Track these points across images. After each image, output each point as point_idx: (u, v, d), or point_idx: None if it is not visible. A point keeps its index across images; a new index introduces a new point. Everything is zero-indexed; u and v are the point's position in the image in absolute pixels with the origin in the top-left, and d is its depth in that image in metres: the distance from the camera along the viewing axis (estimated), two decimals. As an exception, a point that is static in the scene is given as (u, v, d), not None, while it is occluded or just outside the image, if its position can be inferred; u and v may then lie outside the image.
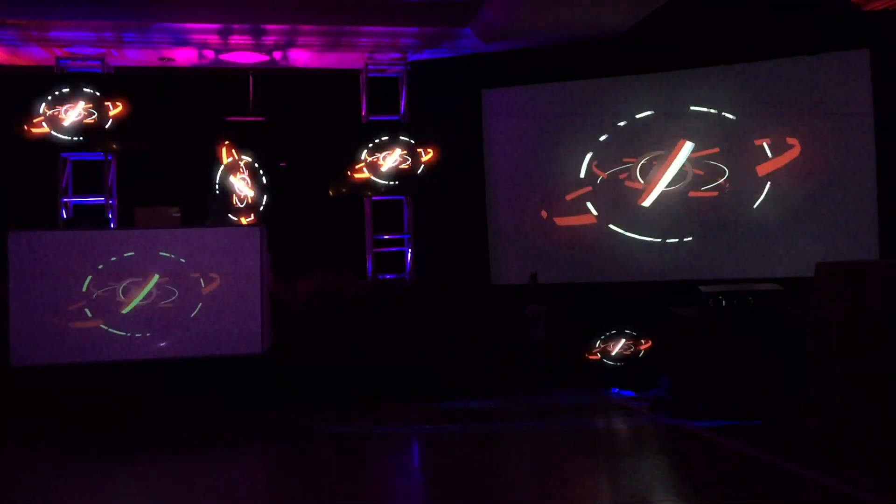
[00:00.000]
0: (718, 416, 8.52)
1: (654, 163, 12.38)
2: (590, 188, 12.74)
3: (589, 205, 12.73)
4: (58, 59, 12.38)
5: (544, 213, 12.88)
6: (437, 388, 10.37)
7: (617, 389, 10.61)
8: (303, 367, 10.40)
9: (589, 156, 12.74)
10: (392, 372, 10.45)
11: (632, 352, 10.93)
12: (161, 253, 10.12)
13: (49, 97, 11.81)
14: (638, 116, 12.52)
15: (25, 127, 11.75)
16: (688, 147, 12.18)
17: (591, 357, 10.92)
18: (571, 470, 7.42)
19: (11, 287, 9.73)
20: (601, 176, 12.66)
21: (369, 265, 13.12)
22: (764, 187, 11.87)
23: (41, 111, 11.78)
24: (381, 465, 7.83)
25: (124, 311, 10.03)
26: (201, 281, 10.21)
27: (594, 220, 12.72)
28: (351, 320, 11.93)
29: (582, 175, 12.77)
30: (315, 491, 6.81)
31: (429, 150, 12.80)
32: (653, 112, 12.46)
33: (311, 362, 10.52)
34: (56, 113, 11.82)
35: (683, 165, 12.21)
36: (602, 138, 12.69)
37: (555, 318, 11.25)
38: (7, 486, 7.54)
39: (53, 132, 11.81)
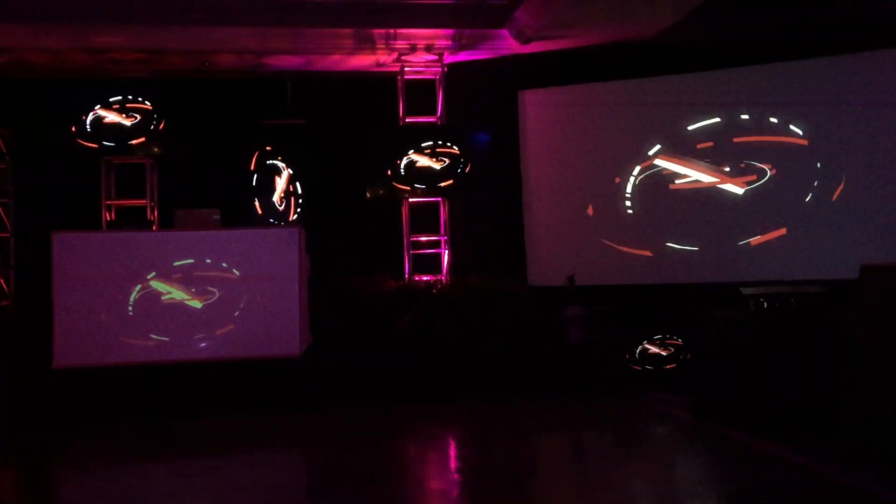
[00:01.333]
0: (759, 420, 8.37)
1: (694, 162, 12.22)
2: (627, 189, 12.63)
3: (627, 205, 12.61)
4: (102, 64, 12.59)
5: (589, 211, 12.78)
6: (473, 390, 10.35)
7: (655, 393, 10.49)
8: (340, 368, 10.45)
9: (627, 156, 12.62)
10: (428, 373, 10.45)
11: (670, 355, 10.80)
12: (202, 255, 10.25)
13: (94, 101, 12.03)
14: (676, 116, 12.37)
15: (70, 131, 11.99)
16: (727, 146, 12.01)
17: (629, 360, 10.81)
18: (608, 472, 7.34)
19: (55, 288, 9.92)
20: (639, 176, 12.54)
21: (406, 266, 13.14)
22: (808, 187, 11.65)
23: (86, 116, 12.01)
24: (420, 465, 7.84)
25: (166, 312, 10.17)
26: (241, 282, 10.31)
27: (632, 222, 12.60)
28: (387, 321, 11.96)
29: (619, 176, 12.66)
30: (353, 490, 6.84)
31: (466, 151, 12.78)
32: (692, 111, 12.30)
33: (348, 363, 10.57)
34: (100, 117, 12.05)
35: (723, 164, 12.04)
36: (640, 138, 12.56)
37: (592, 321, 11.15)
38: (52, 484, 7.71)
39: (97, 136, 12.04)
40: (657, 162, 12.48)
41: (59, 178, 12.71)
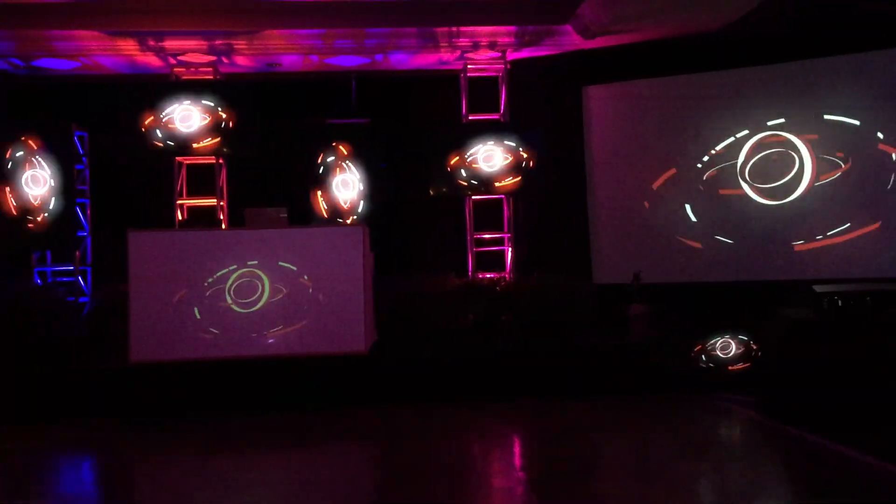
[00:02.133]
0: (832, 423, 8.16)
1: (764, 158, 11.96)
2: (695, 185, 12.42)
3: (694, 202, 12.41)
4: (172, 67, 12.94)
5: (654, 208, 12.62)
6: (537, 388, 10.31)
7: (724, 394, 10.29)
8: (406, 365, 10.53)
9: (694, 151, 12.42)
10: (493, 371, 10.45)
11: (738, 354, 10.58)
12: (270, 253, 10.44)
13: (164, 104, 12.39)
14: (748, 111, 12.12)
15: (143, 133, 12.36)
16: (804, 144, 11.71)
17: (696, 360, 10.62)
18: (675, 475, 7.25)
19: (131, 285, 10.22)
20: (708, 173, 12.32)
21: (469, 264, 13.17)
22: (883, 182, 11.29)
23: (157, 117, 12.37)
24: (485, 463, 7.86)
25: (236, 309, 10.40)
26: (307, 279, 10.48)
27: (699, 218, 12.40)
28: (451, 318, 12.02)
29: (687, 171, 12.46)
30: (420, 486, 6.90)
31: (529, 148, 12.76)
32: (764, 106, 12.02)
33: (414, 361, 10.65)
34: (171, 119, 12.39)
35: (797, 160, 11.75)
36: (707, 133, 12.34)
37: (658, 319, 11.01)
38: (127, 476, 7.97)
39: (169, 137, 12.39)
40: (726, 156, 12.25)
41: (133, 179, 13.13)
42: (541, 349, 10.89)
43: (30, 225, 12.17)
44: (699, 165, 12.39)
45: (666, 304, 11.25)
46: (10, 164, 12.16)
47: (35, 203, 12.20)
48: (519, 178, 12.76)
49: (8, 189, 12.11)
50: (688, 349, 10.68)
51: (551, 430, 8.88)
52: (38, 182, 12.22)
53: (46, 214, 12.21)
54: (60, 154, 12.34)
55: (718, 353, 10.61)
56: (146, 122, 12.40)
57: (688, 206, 12.46)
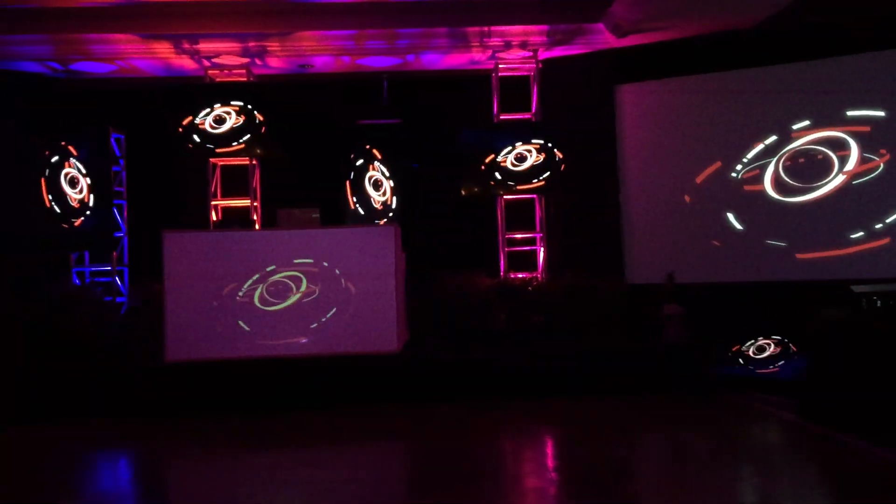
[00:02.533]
0: (871, 425, 8.00)
1: (803, 156, 11.77)
2: (728, 183, 12.26)
3: (728, 201, 12.25)
4: (206, 69, 13.07)
5: (688, 207, 12.47)
6: (569, 387, 10.27)
7: (758, 393, 10.16)
8: (438, 364, 10.54)
9: (728, 150, 12.26)
10: (525, 370, 10.43)
11: (773, 354, 10.44)
12: (302, 252, 10.52)
13: (199, 106, 12.52)
14: (782, 108, 11.93)
15: (178, 134, 12.50)
16: (846, 140, 11.51)
17: (732, 360, 10.50)
18: (711, 478, 7.16)
19: (166, 285, 10.35)
20: (741, 172, 12.17)
21: (501, 264, 13.14)
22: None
23: (192, 119, 12.51)
24: (517, 462, 7.84)
25: (270, 309, 10.48)
26: (340, 279, 10.53)
27: (732, 218, 12.24)
28: (483, 318, 12.00)
29: (720, 170, 12.31)
30: (451, 484, 6.90)
31: (561, 147, 12.69)
32: (799, 103, 11.83)
33: (446, 360, 10.65)
34: (205, 120, 12.52)
35: (835, 159, 11.56)
36: (741, 131, 12.17)
37: (693, 320, 10.88)
38: (162, 471, 8.07)
39: (203, 139, 12.52)
40: (762, 154, 12.08)
41: (169, 180, 13.28)
42: (573, 349, 10.83)
43: (69, 226, 12.37)
44: (735, 164, 12.22)
45: (700, 305, 11.10)
46: (50, 166, 12.37)
47: (74, 204, 12.40)
48: (551, 178, 12.69)
49: (47, 191, 12.31)
50: (723, 350, 10.56)
51: (584, 431, 8.82)
52: (77, 184, 12.42)
53: (85, 216, 12.40)
54: (98, 156, 12.53)
55: (754, 353, 10.48)
56: (181, 124, 12.53)
57: (723, 206, 12.30)
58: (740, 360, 10.51)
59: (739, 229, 12.20)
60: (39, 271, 12.42)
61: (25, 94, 12.98)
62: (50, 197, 12.32)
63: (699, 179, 12.45)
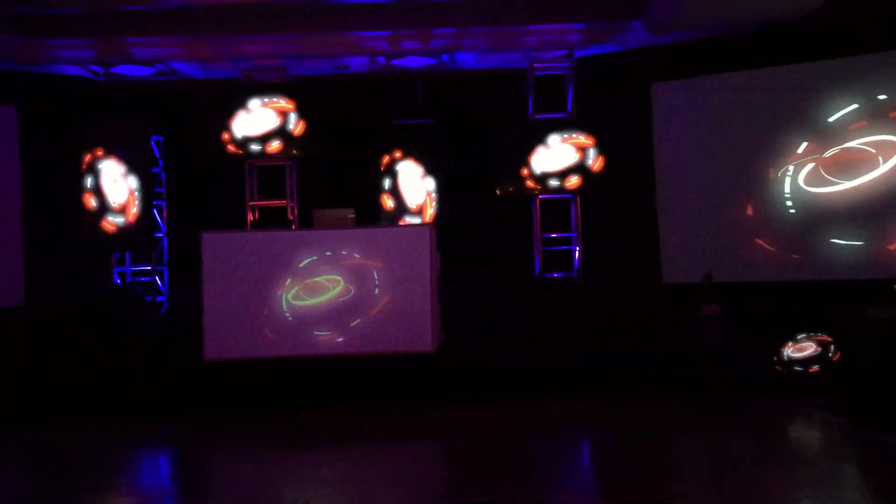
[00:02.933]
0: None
1: (846, 154, 11.55)
2: (769, 182, 12.08)
3: (769, 198, 12.07)
4: (244, 71, 13.21)
5: (727, 205, 12.31)
6: (605, 388, 10.19)
7: (801, 395, 9.99)
8: (473, 364, 10.54)
9: (769, 147, 12.08)
10: (561, 370, 10.37)
11: (817, 356, 10.25)
12: (339, 252, 10.58)
13: (236, 107, 12.66)
14: (827, 104, 11.71)
15: (215, 136, 12.66)
16: (889, 140, 11.27)
17: (771, 361, 10.34)
18: (752, 479, 7.05)
19: (204, 285, 10.48)
20: (781, 169, 11.98)
21: (536, 264, 13.09)
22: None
23: (229, 121, 12.65)
24: (554, 462, 7.80)
25: (305, 308, 10.56)
26: (375, 279, 10.57)
27: (774, 215, 12.06)
28: (518, 319, 11.96)
29: (761, 168, 12.13)
30: (485, 484, 6.89)
31: (597, 146, 12.61)
32: (845, 99, 11.61)
33: (482, 360, 10.64)
34: (242, 122, 12.66)
35: (879, 156, 11.33)
36: (786, 129, 11.98)
37: (732, 319, 10.74)
38: (202, 471, 8.16)
39: (240, 140, 12.66)
40: (804, 151, 11.88)
41: (207, 181, 13.47)
42: (610, 350, 10.76)
43: (111, 227, 12.60)
44: (775, 161, 12.04)
45: (739, 304, 10.96)
46: (92, 167, 12.60)
47: (115, 205, 12.61)
48: (586, 177, 12.62)
49: (89, 192, 12.54)
50: (763, 350, 10.41)
51: (622, 431, 8.75)
52: (118, 185, 12.63)
53: (126, 216, 12.62)
54: (139, 158, 12.74)
55: (796, 354, 10.31)
56: (218, 126, 12.68)
57: (762, 203, 12.12)
58: (780, 361, 10.34)
59: (779, 228, 12.02)
60: (82, 271, 12.67)
61: (68, 97, 13.23)
62: (92, 198, 12.54)
63: (738, 177, 12.28)
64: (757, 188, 12.20)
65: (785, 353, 10.32)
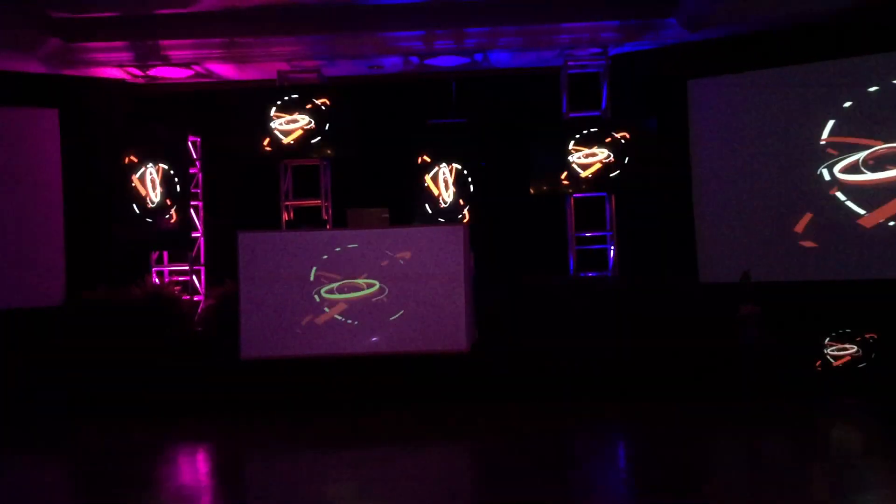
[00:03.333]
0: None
1: (887, 152, 11.32)
2: (807, 180, 11.88)
3: (806, 196, 11.88)
4: (279, 72, 13.31)
5: (765, 203, 12.13)
6: (641, 389, 10.12)
7: (842, 397, 9.82)
8: (506, 363, 10.52)
9: (806, 144, 11.88)
10: (596, 371, 10.32)
11: (859, 356, 10.07)
12: (373, 252, 10.62)
13: (272, 109, 12.77)
14: (867, 101, 11.48)
15: (250, 136, 12.78)
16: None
17: (811, 362, 10.17)
18: (793, 480, 6.95)
19: (241, 284, 10.59)
20: (820, 167, 11.78)
21: (571, 263, 13.02)
22: None
23: (264, 122, 12.76)
24: (589, 462, 7.76)
25: (338, 308, 10.62)
26: (409, 278, 10.60)
27: (812, 213, 11.86)
28: (552, 318, 11.90)
29: (798, 166, 11.94)
30: (520, 482, 6.88)
31: (632, 144, 12.51)
32: (884, 95, 11.38)
33: (515, 359, 10.62)
34: (278, 123, 12.77)
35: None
36: (826, 125, 11.77)
37: (771, 320, 10.57)
38: (241, 468, 8.25)
39: (275, 141, 12.77)
40: (842, 148, 11.67)
41: (242, 181, 13.60)
42: (645, 350, 10.66)
43: (149, 227, 12.78)
44: (814, 159, 11.83)
45: (778, 304, 10.79)
46: (131, 169, 12.80)
47: (154, 206, 12.80)
48: (621, 175, 12.52)
49: (130, 193, 12.75)
50: (803, 351, 10.25)
51: (657, 432, 8.68)
52: (157, 186, 12.82)
53: (164, 217, 12.80)
54: (176, 159, 12.90)
55: (837, 354, 10.13)
56: (254, 127, 12.80)
57: (801, 201, 11.93)
58: (823, 361, 10.17)
59: (818, 226, 11.81)
60: (121, 271, 12.87)
61: (107, 100, 13.45)
62: (131, 199, 12.74)
63: (777, 174, 12.09)
64: (796, 186, 12.00)
65: (826, 353, 10.15)
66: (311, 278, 10.62)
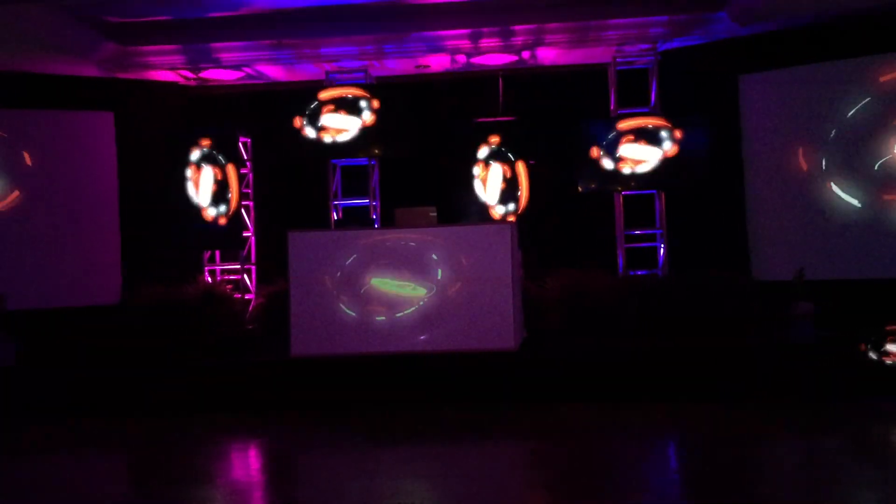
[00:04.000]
0: None
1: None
2: (863, 175, 11.61)
3: (864, 192, 11.60)
4: (327, 73, 13.46)
5: (820, 199, 11.89)
6: (693, 390, 9.97)
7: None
8: (555, 362, 10.46)
9: (864, 139, 11.60)
10: (647, 371, 10.20)
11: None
12: (421, 251, 10.66)
13: (320, 108, 12.91)
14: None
15: (300, 137, 12.94)
16: None
17: (867, 362, 9.93)
18: (847, 485, 6.80)
19: (291, 283, 10.71)
20: (877, 162, 11.50)
21: (620, 261, 12.93)
22: None
23: (314, 122, 12.90)
24: (637, 464, 7.69)
25: (386, 306, 10.67)
26: (457, 276, 10.61)
27: (869, 210, 11.58)
28: (601, 316, 11.83)
29: (853, 160, 11.67)
30: (568, 484, 6.85)
31: (682, 141, 12.35)
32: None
33: (564, 358, 10.56)
34: (326, 123, 12.89)
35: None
36: (882, 121, 11.48)
37: (826, 318, 10.36)
38: (290, 464, 8.36)
39: (324, 141, 12.90)
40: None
41: (292, 181, 13.78)
42: (697, 349, 10.52)
43: (202, 227, 13.03)
44: (870, 153, 11.56)
45: (834, 302, 10.56)
46: (186, 170, 13.07)
47: (206, 206, 13.04)
48: (672, 172, 12.38)
49: (183, 193, 13.01)
50: (858, 350, 10.01)
51: (709, 433, 8.55)
52: (210, 187, 13.06)
53: (217, 217, 13.03)
54: (229, 160, 13.14)
55: (891, 354, 9.87)
56: (303, 127, 12.96)
57: (857, 196, 11.66)
58: (879, 361, 9.92)
59: (874, 223, 11.54)
60: (175, 270, 13.15)
61: (161, 102, 13.75)
62: (185, 199, 13.01)
63: (828, 170, 11.84)
64: (848, 179, 11.73)
65: (881, 353, 9.89)
66: (360, 276, 10.69)
